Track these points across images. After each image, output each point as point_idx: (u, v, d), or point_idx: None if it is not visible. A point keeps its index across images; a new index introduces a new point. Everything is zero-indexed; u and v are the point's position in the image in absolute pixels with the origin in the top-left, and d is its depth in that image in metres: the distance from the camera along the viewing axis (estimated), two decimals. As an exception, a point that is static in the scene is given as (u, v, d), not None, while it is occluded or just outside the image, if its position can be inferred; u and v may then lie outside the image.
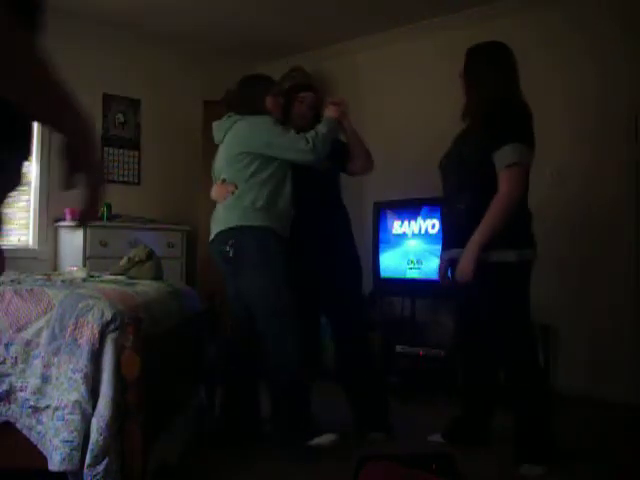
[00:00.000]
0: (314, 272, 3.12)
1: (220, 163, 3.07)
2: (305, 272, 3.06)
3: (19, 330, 2.14)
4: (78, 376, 2.03)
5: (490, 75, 2.81)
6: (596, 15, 4.14)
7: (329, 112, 3.02)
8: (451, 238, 2.92)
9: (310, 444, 2.80)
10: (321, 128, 2.94)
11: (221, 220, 2.95)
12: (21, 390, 2.10)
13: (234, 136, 2.99)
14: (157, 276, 3.10)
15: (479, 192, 2.71)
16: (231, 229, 2.88)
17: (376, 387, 3.18)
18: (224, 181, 2.99)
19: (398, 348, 4.15)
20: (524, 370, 2.77)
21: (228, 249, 2.85)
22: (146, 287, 2.70)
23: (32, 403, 2.07)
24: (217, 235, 2.94)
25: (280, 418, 2.90)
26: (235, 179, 2.94)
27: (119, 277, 2.97)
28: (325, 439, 2.84)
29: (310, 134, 2.90)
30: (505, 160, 2.60)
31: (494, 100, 2.74)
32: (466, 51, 2.90)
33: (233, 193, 2.91)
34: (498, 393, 3.01)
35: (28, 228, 4.80)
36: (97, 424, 1.98)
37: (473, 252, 2.62)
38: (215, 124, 3.17)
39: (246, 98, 3.15)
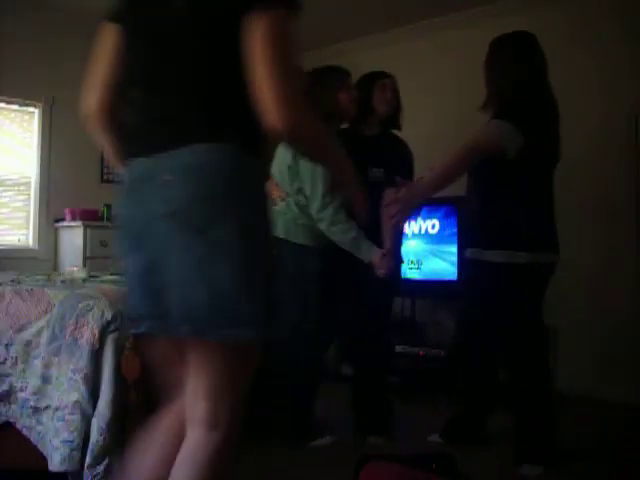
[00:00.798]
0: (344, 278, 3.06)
1: (275, 164, 2.87)
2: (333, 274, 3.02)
3: (19, 330, 2.14)
4: (78, 376, 2.03)
5: (508, 65, 2.80)
6: (596, 15, 4.14)
7: (386, 222, 2.70)
8: (467, 238, 2.94)
9: (310, 445, 2.87)
10: (353, 233, 2.74)
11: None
12: (21, 390, 2.10)
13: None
14: (157, 276, 3.09)
15: (490, 192, 2.71)
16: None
17: (380, 390, 3.17)
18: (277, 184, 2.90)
19: (398, 348, 4.15)
20: (523, 370, 2.77)
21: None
22: (146, 287, 2.70)
23: (32, 403, 2.07)
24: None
25: (283, 419, 2.94)
26: (284, 187, 2.88)
27: (119, 277, 2.97)
28: (324, 441, 2.90)
29: (339, 217, 2.73)
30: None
31: (510, 91, 2.73)
32: (490, 42, 2.89)
33: (282, 199, 2.86)
34: (497, 393, 3.01)
35: (28, 228, 4.80)
36: (97, 424, 1.98)
37: (415, 187, 2.67)
38: None
39: (314, 98, 2.67)
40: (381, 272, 2.76)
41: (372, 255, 2.76)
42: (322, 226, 2.79)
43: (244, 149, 1.31)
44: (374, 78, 3.08)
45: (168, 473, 1.35)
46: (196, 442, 1.36)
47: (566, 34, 4.26)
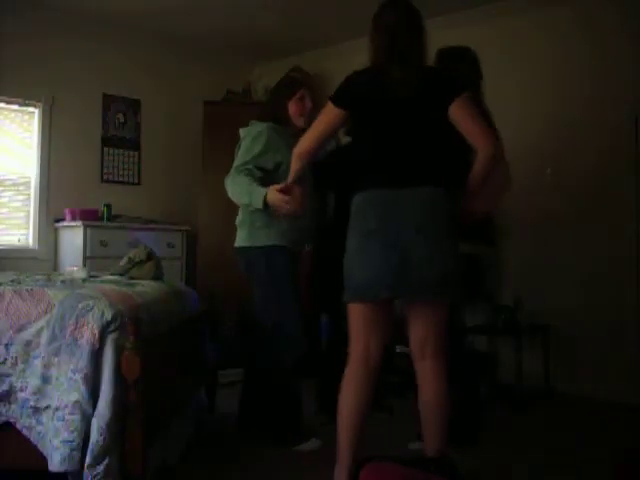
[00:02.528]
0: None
1: None
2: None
3: (19, 330, 2.14)
4: (78, 376, 2.03)
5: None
6: (596, 15, 4.14)
7: (270, 195, 2.69)
8: None
9: (296, 449, 2.88)
10: (253, 198, 2.77)
11: (237, 235, 3.06)
12: (21, 390, 2.10)
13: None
14: (157, 276, 3.09)
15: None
16: (242, 247, 3.00)
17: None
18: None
19: (398, 348, 4.14)
20: (457, 354, 2.90)
21: (242, 264, 3.02)
22: (146, 287, 2.70)
23: (32, 403, 2.07)
24: (234, 248, 3.06)
25: (269, 422, 2.97)
26: None
27: (119, 277, 2.97)
28: (310, 445, 2.90)
29: (250, 187, 2.80)
30: None
31: None
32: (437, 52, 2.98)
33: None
34: (478, 391, 3.07)
35: (28, 228, 4.80)
36: (97, 424, 1.98)
37: None
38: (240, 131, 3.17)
39: (271, 105, 3.12)
40: (284, 209, 2.66)
41: (261, 195, 2.70)
42: (228, 185, 2.93)
43: (445, 190, 2.23)
44: (293, 88, 3.10)
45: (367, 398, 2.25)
46: (433, 368, 2.26)
47: (566, 34, 4.27)
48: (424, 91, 2.22)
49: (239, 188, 2.85)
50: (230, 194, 2.93)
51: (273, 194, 2.66)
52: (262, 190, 2.72)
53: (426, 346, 2.26)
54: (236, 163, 2.95)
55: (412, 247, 2.12)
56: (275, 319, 2.91)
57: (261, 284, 2.96)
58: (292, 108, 3.03)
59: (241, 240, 3.01)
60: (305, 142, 2.36)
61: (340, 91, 2.30)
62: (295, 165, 2.45)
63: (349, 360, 2.29)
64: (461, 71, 2.85)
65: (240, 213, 3.04)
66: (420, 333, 2.27)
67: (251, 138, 2.94)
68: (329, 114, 2.30)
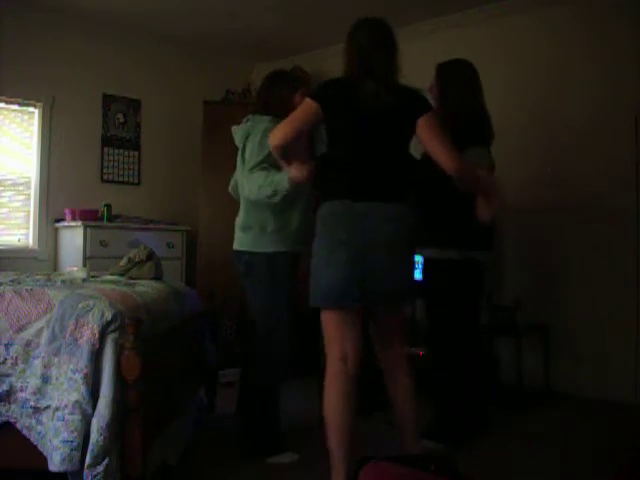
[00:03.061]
0: None
1: (238, 173, 3.04)
2: None
3: (19, 330, 2.14)
4: (78, 376, 2.03)
5: (454, 91, 3.07)
6: (596, 15, 4.14)
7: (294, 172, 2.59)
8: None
9: (269, 461, 2.80)
10: (277, 183, 2.67)
11: (237, 238, 3.00)
12: (21, 390, 2.09)
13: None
14: (157, 276, 3.09)
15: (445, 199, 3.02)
16: (244, 251, 2.93)
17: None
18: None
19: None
20: (445, 357, 3.05)
21: (240, 266, 2.96)
22: (146, 287, 2.70)
23: (32, 403, 2.07)
24: (234, 250, 3.01)
25: (247, 430, 2.88)
26: (241, 191, 2.98)
27: (119, 277, 2.97)
28: (285, 458, 2.82)
29: (270, 177, 2.69)
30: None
31: (458, 113, 3.01)
32: (436, 67, 3.13)
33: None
34: (461, 390, 3.07)
35: (28, 228, 4.80)
36: (97, 424, 1.98)
37: None
38: (234, 128, 3.12)
39: (275, 98, 2.94)
40: (297, 177, 2.58)
41: (283, 177, 2.62)
42: (245, 185, 2.84)
43: (408, 206, 2.39)
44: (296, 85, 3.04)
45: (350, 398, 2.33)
46: (406, 371, 2.47)
47: (566, 34, 4.27)
48: (394, 107, 2.34)
49: (259, 182, 2.72)
50: (249, 193, 2.81)
51: (294, 169, 2.58)
52: (282, 173, 2.64)
53: (389, 343, 2.50)
54: (251, 164, 2.80)
55: (377, 261, 2.29)
56: (268, 325, 2.87)
57: (259, 289, 2.91)
58: (295, 103, 2.86)
59: (245, 244, 2.92)
60: (279, 135, 2.39)
61: (318, 89, 2.47)
62: (278, 157, 2.50)
63: (327, 363, 2.38)
64: (456, 86, 3.01)
65: (245, 216, 2.95)
66: (383, 333, 2.52)
67: (260, 135, 2.80)
68: (305, 108, 2.39)
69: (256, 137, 2.84)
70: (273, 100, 2.94)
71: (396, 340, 2.50)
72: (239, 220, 3.01)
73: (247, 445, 2.86)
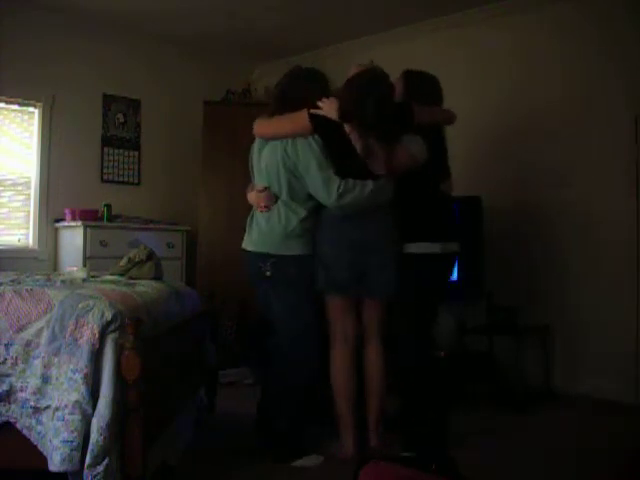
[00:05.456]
0: None
1: (264, 165, 2.87)
2: None
3: (19, 330, 2.14)
4: (78, 376, 2.03)
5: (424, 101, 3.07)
6: (597, 15, 4.13)
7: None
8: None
9: (294, 464, 2.77)
10: (366, 186, 2.72)
11: (261, 241, 2.86)
12: (21, 390, 2.09)
13: (286, 146, 2.77)
14: (157, 276, 3.09)
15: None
16: (273, 254, 2.81)
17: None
18: (266, 189, 2.85)
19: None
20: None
21: (265, 269, 2.82)
22: (146, 287, 2.70)
23: (32, 403, 2.07)
24: (254, 252, 2.88)
25: (272, 432, 2.87)
26: (280, 193, 2.83)
27: (119, 277, 2.97)
28: (310, 461, 2.80)
29: (349, 183, 2.70)
30: None
31: None
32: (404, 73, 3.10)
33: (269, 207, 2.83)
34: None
35: (28, 228, 4.80)
36: (97, 424, 1.98)
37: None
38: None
39: (301, 96, 2.82)
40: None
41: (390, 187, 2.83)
42: (335, 209, 2.76)
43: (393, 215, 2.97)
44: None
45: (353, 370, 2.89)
46: (376, 348, 2.94)
47: (566, 34, 4.26)
48: None
49: (368, 190, 2.73)
50: (351, 206, 2.75)
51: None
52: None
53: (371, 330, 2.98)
54: (325, 174, 2.71)
55: (373, 258, 2.82)
56: (296, 328, 2.84)
57: (290, 293, 2.84)
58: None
59: (274, 247, 2.82)
60: (265, 130, 2.87)
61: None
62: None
63: (332, 341, 2.91)
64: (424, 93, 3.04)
65: (286, 219, 2.80)
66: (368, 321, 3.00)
67: (310, 151, 2.72)
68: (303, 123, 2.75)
69: (304, 146, 2.75)
70: (302, 100, 2.80)
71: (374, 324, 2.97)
72: (276, 224, 2.83)
73: (272, 447, 2.83)
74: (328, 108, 2.72)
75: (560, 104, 4.29)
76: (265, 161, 2.87)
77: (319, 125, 2.73)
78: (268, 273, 2.81)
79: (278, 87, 2.95)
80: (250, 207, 2.97)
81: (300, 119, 2.73)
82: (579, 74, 4.21)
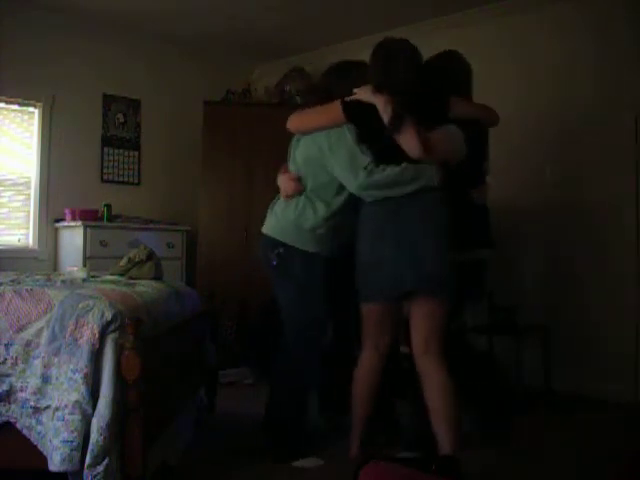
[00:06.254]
0: None
1: (297, 154, 2.83)
2: None
3: (19, 330, 2.14)
4: (78, 376, 2.03)
5: None
6: (597, 15, 4.13)
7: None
8: None
9: (294, 465, 2.75)
10: (396, 170, 2.54)
11: (273, 226, 2.83)
12: (21, 390, 2.09)
13: (320, 138, 2.69)
14: (157, 276, 3.09)
15: None
16: (283, 242, 2.77)
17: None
18: (298, 179, 2.78)
19: (402, 349, 4.14)
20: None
21: (272, 257, 2.79)
22: (146, 287, 2.70)
23: (32, 403, 2.07)
24: (267, 237, 2.83)
25: (271, 431, 2.85)
26: (308, 185, 2.77)
27: (119, 277, 2.97)
28: (309, 462, 2.78)
29: (380, 168, 2.55)
30: None
31: None
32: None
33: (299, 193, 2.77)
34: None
35: (28, 228, 4.80)
36: (97, 424, 1.98)
37: None
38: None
39: (340, 87, 2.74)
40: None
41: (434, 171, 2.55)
42: (363, 190, 2.60)
43: None
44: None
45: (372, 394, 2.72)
46: (434, 367, 2.49)
47: (566, 34, 4.27)
48: None
49: (393, 173, 2.54)
50: (380, 186, 2.57)
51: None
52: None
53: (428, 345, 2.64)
54: (354, 155, 2.58)
55: (422, 250, 2.56)
56: (295, 326, 2.81)
57: (291, 286, 2.81)
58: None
59: (290, 238, 2.76)
60: (299, 124, 2.78)
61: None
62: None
63: (363, 345, 2.77)
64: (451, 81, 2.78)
65: (301, 211, 2.75)
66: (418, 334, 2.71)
67: (344, 143, 2.62)
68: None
69: (335, 138, 2.66)
70: (330, 95, 2.74)
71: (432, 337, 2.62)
72: (291, 214, 2.78)
73: (273, 447, 2.82)
74: (361, 91, 2.57)
75: (560, 104, 4.29)
76: (299, 151, 2.82)
77: (353, 113, 2.57)
78: (274, 262, 2.79)
79: (324, 80, 2.91)
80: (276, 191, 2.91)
81: (333, 108, 2.60)
82: (579, 74, 4.21)
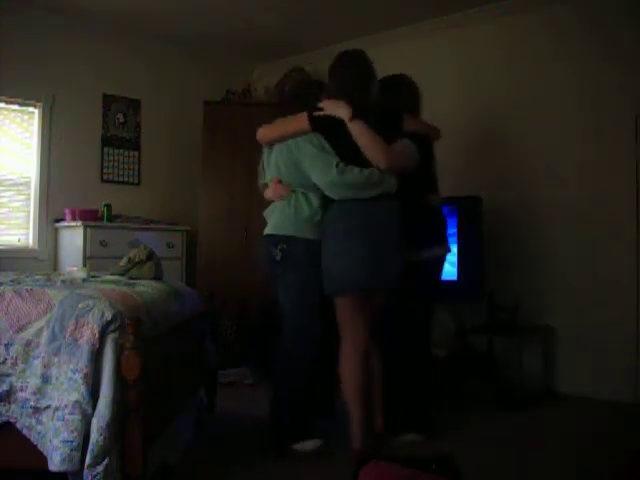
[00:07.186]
0: None
1: (274, 162, 2.98)
2: None
3: (19, 330, 2.14)
4: (78, 376, 2.03)
5: None
6: (597, 14, 4.13)
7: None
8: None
9: (294, 448, 2.81)
10: (366, 170, 2.76)
11: (274, 224, 2.95)
12: (21, 390, 2.10)
13: (291, 144, 2.89)
14: (157, 276, 3.09)
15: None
16: (284, 236, 2.88)
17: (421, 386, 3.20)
18: (281, 181, 2.93)
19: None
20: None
21: (276, 253, 2.88)
22: (146, 287, 2.70)
23: (32, 403, 2.07)
24: (269, 235, 2.95)
25: (272, 415, 2.90)
26: (294, 184, 2.91)
27: (119, 277, 2.97)
28: (309, 444, 2.83)
29: (349, 168, 2.75)
30: None
31: None
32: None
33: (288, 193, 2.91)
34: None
35: (28, 228, 4.80)
36: (97, 424, 1.98)
37: None
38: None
39: (307, 99, 3.03)
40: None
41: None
42: (333, 187, 2.77)
43: None
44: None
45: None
46: (373, 350, 2.94)
47: (566, 34, 4.26)
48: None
49: (356, 174, 2.75)
50: (350, 186, 2.77)
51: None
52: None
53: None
54: (324, 155, 2.80)
55: (386, 246, 2.82)
56: (297, 324, 2.88)
57: (296, 277, 2.89)
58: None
59: (291, 230, 2.88)
60: (269, 134, 2.97)
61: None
62: None
63: (342, 340, 2.86)
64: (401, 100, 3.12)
65: (295, 205, 2.89)
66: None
67: (309, 141, 2.83)
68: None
69: (307, 144, 2.86)
70: (298, 108, 2.96)
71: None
72: (288, 208, 2.91)
73: (274, 433, 2.87)
74: (326, 103, 2.84)
75: (560, 104, 4.29)
76: (274, 157, 2.98)
77: (319, 123, 2.80)
78: (278, 257, 2.87)
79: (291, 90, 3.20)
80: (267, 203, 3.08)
81: (301, 119, 2.83)
82: (579, 74, 4.21)
